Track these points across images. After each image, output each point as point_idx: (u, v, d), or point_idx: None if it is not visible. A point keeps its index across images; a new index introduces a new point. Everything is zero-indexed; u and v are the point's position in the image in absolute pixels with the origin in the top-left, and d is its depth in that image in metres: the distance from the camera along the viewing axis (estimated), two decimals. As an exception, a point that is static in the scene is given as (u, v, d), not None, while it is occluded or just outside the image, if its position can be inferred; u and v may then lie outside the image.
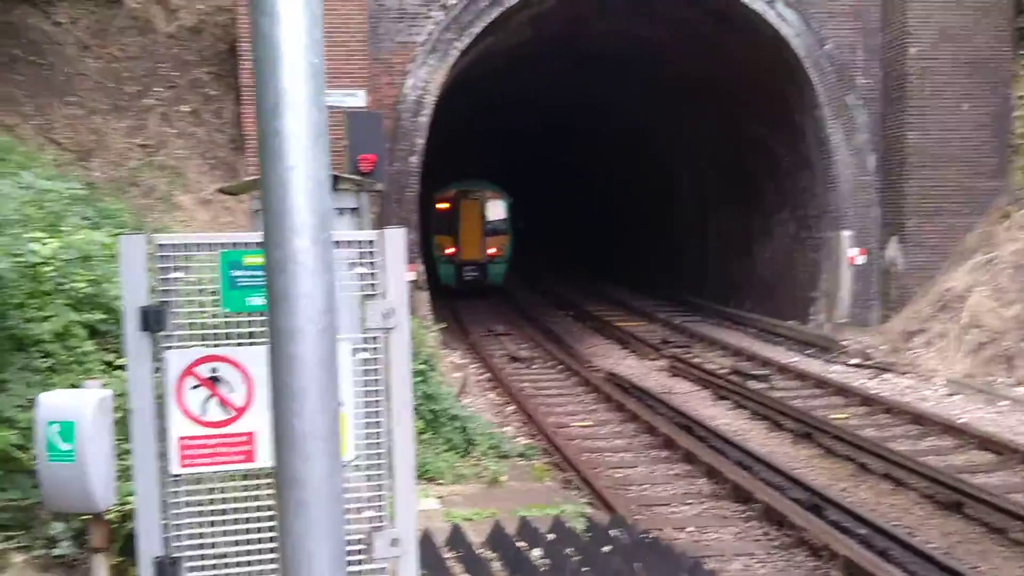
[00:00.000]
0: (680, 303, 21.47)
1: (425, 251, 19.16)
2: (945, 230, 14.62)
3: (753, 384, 12.54)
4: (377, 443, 2.58)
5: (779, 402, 11.21)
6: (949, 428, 10.03)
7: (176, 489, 2.49)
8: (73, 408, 2.87)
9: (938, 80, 14.44)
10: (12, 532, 3.48)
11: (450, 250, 24.21)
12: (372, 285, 2.56)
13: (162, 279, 2.48)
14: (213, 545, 2.50)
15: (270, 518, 2.49)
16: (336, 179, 8.74)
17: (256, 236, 2.48)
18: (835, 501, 7.61)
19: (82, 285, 4.82)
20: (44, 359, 4.32)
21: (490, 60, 16.91)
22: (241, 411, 2.54)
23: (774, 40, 15.03)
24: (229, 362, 2.52)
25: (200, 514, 2.50)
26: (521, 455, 8.56)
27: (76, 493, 2.86)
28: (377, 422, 2.58)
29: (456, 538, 5.49)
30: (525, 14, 15.10)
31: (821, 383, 12.55)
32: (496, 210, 24.72)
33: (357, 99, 12.62)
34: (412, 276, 12.33)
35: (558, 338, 17.34)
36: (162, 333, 2.47)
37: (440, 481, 6.96)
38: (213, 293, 2.48)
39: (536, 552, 5.40)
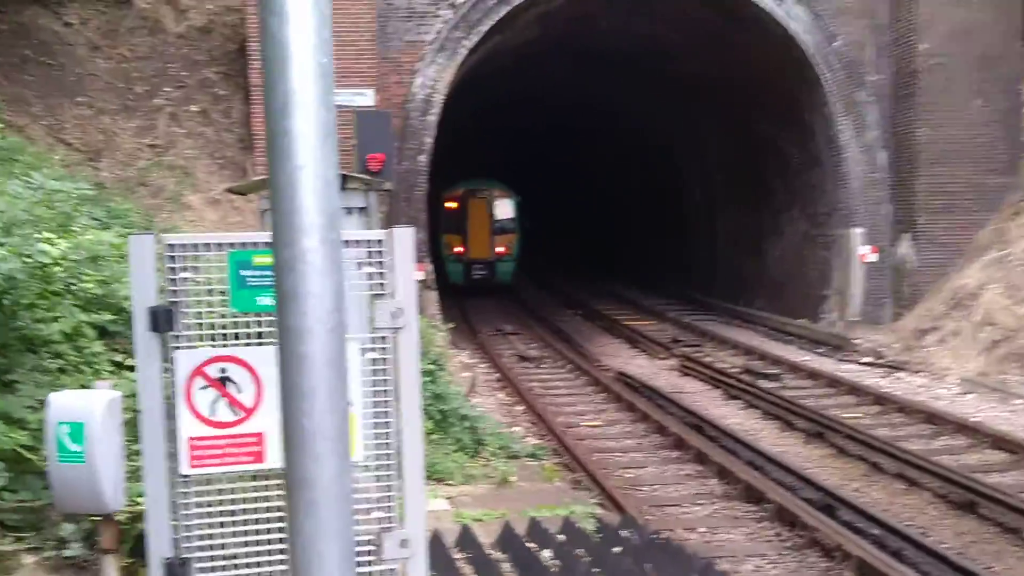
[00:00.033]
0: (690, 302, 21.40)
1: (433, 250, 19.18)
2: (957, 227, 14.53)
3: (764, 383, 12.48)
4: (386, 443, 2.56)
5: (791, 401, 11.15)
6: (963, 427, 9.95)
7: (186, 490, 2.48)
8: (83, 409, 2.86)
9: (948, 76, 14.34)
10: (23, 533, 3.48)
11: (459, 249, 24.32)
12: (381, 284, 2.54)
13: (171, 279, 2.46)
14: (223, 546, 2.49)
15: (279, 519, 2.48)
16: (345, 178, 8.73)
17: (265, 236, 2.47)
18: (848, 501, 7.55)
19: (91, 286, 4.82)
20: (54, 360, 4.32)
21: (498, 59, 16.90)
22: (250, 412, 2.52)
23: (783, 37, 14.96)
24: (238, 362, 2.51)
25: (210, 515, 2.49)
26: (531, 455, 8.53)
27: (86, 494, 2.85)
28: (386, 422, 2.56)
29: (466, 539, 5.47)
30: (533, 12, 15.08)
31: (833, 382, 12.48)
32: (504, 209, 24.81)
33: (366, 98, 12.63)
34: (421, 275, 12.32)
35: (567, 337, 17.31)
36: (171, 333, 2.46)
37: (449, 482, 6.94)
38: (222, 293, 2.47)
39: (546, 553, 5.38)
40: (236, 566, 2.49)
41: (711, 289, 21.36)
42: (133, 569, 3.34)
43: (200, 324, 2.49)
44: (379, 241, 2.56)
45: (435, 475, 6.83)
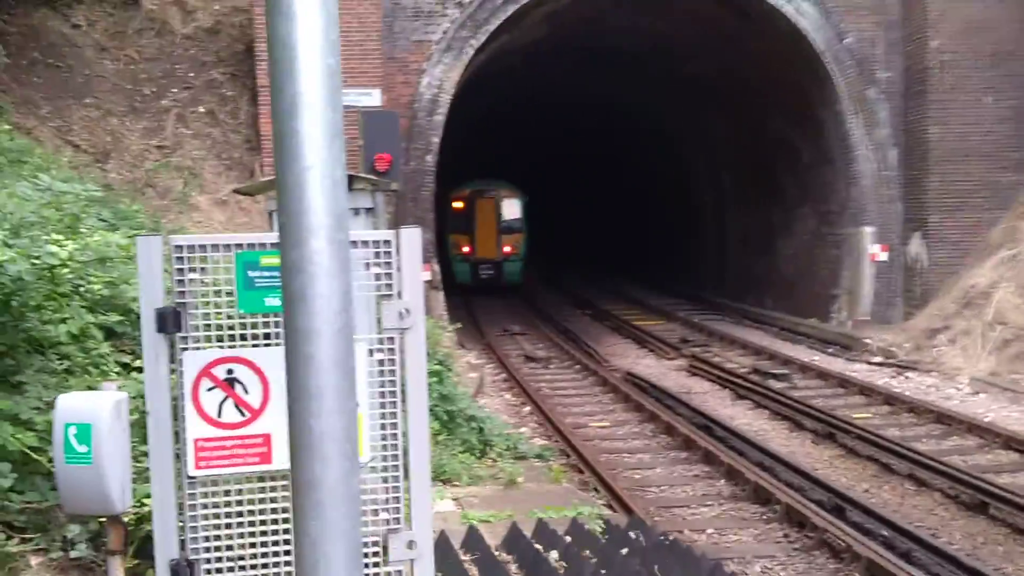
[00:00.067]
0: (699, 301, 21.35)
1: (440, 250, 19.19)
2: (968, 225, 14.44)
3: (773, 383, 12.43)
4: (393, 444, 2.55)
5: (800, 402, 11.10)
6: (973, 427, 9.89)
7: (192, 491, 2.47)
8: (90, 410, 2.86)
9: (960, 73, 14.26)
10: (29, 534, 3.48)
11: (466, 249, 24.46)
12: (388, 285, 2.53)
13: (179, 280, 2.46)
14: (229, 547, 2.48)
15: (286, 520, 2.47)
16: (351, 179, 8.73)
17: (271, 237, 2.46)
18: (857, 502, 7.51)
19: (99, 287, 4.83)
20: (61, 361, 4.33)
21: (505, 58, 16.90)
22: (257, 413, 2.51)
23: (793, 34, 14.90)
24: (245, 363, 2.50)
25: (216, 516, 2.48)
26: (538, 456, 8.51)
27: (93, 495, 2.85)
28: (393, 423, 2.55)
29: (472, 540, 5.46)
30: (541, 11, 15.06)
31: (843, 382, 12.42)
32: (511, 209, 24.91)
33: (372, 98, 12.64)
34: (427, 276, 12.32)
35: (575, 337, 17.29)
36: (179, 334, 2.45)
37: (456, 483, 6.93)
38: (229, 294, 2.46)
39: (553, 554, 5.36)
40: (243, 567, 2.49)
41: (721, 288, 21.29)
42: (139, 570, 3.34)
43: (207, 325, 2.48)
44: (386, 242, 2.54)
45: (442, 476, 6.82)
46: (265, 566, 2.50)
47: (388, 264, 2.53)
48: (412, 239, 2.56)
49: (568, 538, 5.67)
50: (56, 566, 3.44)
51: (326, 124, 1.47)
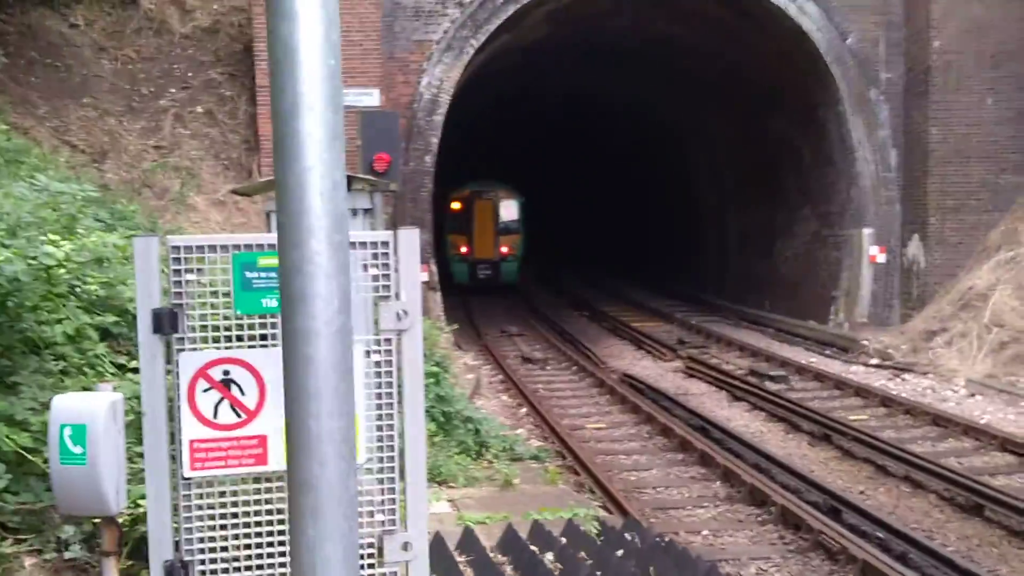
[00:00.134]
0: (697, 302, 21.37)
1: (438, 250, 19.22)
2: (967, 227, 14.45)
3: (771, 385, 12.44)
4: (389, 445, 2.54)
5: (797, 403, 11.11)
6: (970, 429, 9.91)
7: (188, 492, 2.47)
8: (85, 411, 2.85)
9: (962, 74, 14.26)
10: (23, 535, 3.47)
11: (464, 249, 24.69)
12: (386, 286, 2.53)
13: (175, 281, 2.45)
14: (224, 548, 2.48)
15: (281, 521, 2.47)
16: (350, 179, 8.72)
17: (269, 237, 2.46)
18: (853, 504, 7.52)
19: (95, 287, 4.82)
20: (57, 362, 4.32)
21: (506, 57, 16.90)
22: (253, 414, 2.51)
23: (795, 34, 14.91)
24: (241, 364, 2.49)
25: (211, 517, 2.47)
26: (534, 458, 8.51)
27: (88, 496, 2.84)
28: (389, 424, 2.54)
29: (468, 541, 5.45)
30: (541, 11, 15.06)
31: (840, 384, 12.43)
32: (509, 210, 25.13)
33: (372, 98, 12.63)
34: (425, 276, 12.31)
35: (572, 339, 17.29)
36: (175, 335, 2.45)
37: (452, 484, 6.92)
38: (225, 295, 2.46)
39: (549, 556, 5.35)
40: (237, 568, 2.48)
41: (720, 289, 21.30)
42: (134, 571, 3.33)
43: (204, 326, 2.48)
44: (384, 243, 2.54)
45: (438, 477, 6.81)
46: (260, 567, 2.49)
47: (386, 265, 2.53)
48: (410, 240, 2.55)
49: (564, 540, 5.67)
50: (50, 567, 3.44)
51: (327, 125, 1.48)
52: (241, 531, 2.49)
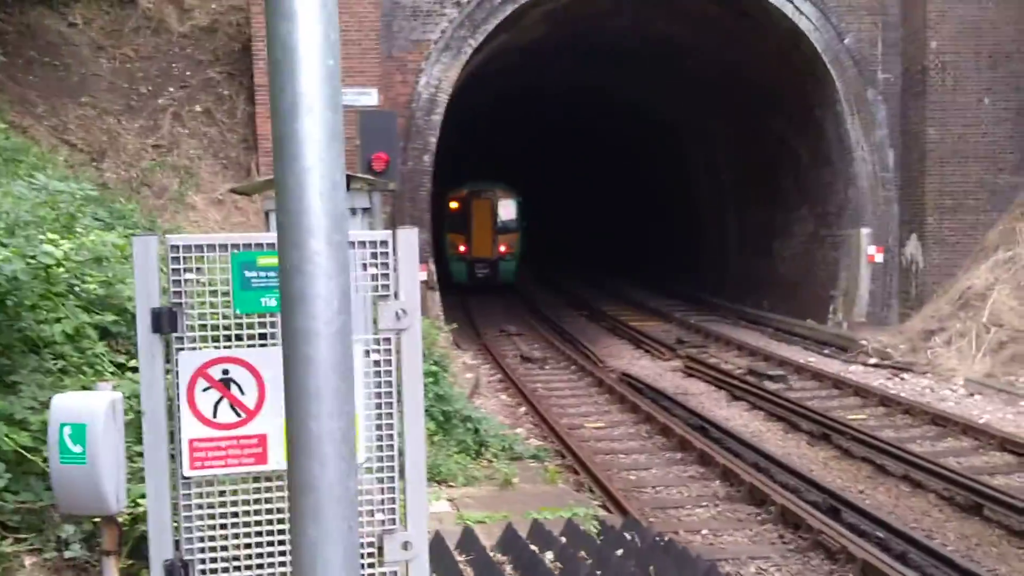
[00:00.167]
0: (696, 302, 21.38)
1: (437, 249, 19.23)
2: (965, 227, 14.47)
3: (769, 385, 12.44)
4: (388, 445, 2.54)
5: (796, 403, 11.12)
6: (968, 429, 9.91)
7: (187, 491, 2.46)
8: (85, 410, 2.84)
9: (959, 74, 14.28)
10: (23, 535, 3.47)
11: (462, 248, 24.74)
12: (385, 286, 2.53)
13: (174, 280, 2.45)
14: (224, 548, 2.48)
15: (281, 521, 2.47)
16: (349, 179, 8.71)
17: (268, 237, 2.45)
18: (852, 503, 7.52)
19: (94, 286, 4.82)
20: (56, 361, 4.32)
21: (503, 57, 16.90)
22: (253, 413, 2.51)
23: (793, 34, 14.93)
24: (241, 364, 2.49)
25: (211, 517, 2.47)
26: (534, 457, 8.51)
27: (88, 495, 2.83)
28: (388, 424, 2.54)
29: (468, 541, 5.46)
30: (539, 11, 15.07)
31: (839, 383, 12.44)
32: (507, 209, 25.19)
33: (370, 98, 12.63)
34: (423, 276, 12.31)
35: (571, 338, 17.29)
36: (174, 334, 2.44)
37: (452, 483, 6.92)
38: (225, 294, 2.46)
39: (549, 555, 5.36)
40: (237, 568, 2.48)
41: (719, 289, 21.31)
42: (134, 571, 3.33)
43: (203, 325, 2.48)
44: (383, 242, 2.54)
45: (437, 477, 6.81)
46: (260, 566, 2.49)
47: (385, 265, 2.53)
48: (409, 240, 2.55)
49: (563, 539, 5.67)
50: (50, 566, 3.43)
51: (326, 125, 1.48)
52: (241, 530, 2.49)
